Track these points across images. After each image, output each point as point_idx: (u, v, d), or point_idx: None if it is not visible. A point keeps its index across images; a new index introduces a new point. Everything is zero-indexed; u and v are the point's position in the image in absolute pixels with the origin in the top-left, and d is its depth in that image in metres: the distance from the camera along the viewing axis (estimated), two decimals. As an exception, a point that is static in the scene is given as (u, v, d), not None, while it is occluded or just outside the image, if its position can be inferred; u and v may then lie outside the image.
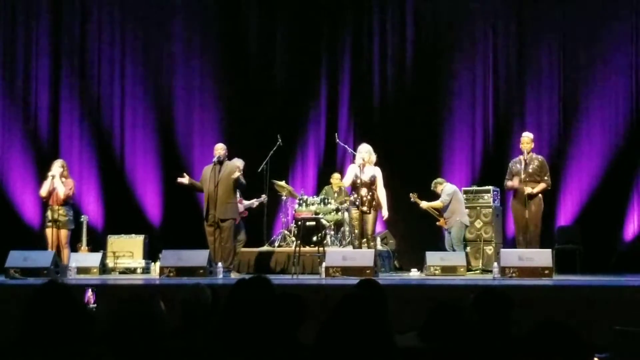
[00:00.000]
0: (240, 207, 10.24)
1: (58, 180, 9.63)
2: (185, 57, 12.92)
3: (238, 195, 10.11)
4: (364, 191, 9.25)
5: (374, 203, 9.25)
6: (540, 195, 9.35)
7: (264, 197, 11.04)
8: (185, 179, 9.59)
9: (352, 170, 9.44)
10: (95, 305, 5.18)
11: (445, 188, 10.59)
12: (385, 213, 9.48)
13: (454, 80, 12.27)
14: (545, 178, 9.35)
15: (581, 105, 11.76)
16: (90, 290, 5.23)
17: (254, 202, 10.94)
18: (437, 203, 10.58)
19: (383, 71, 12.60)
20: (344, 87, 12.76)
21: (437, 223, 10.70)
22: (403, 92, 12.46)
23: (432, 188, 10.70)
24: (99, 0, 12.84)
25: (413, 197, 10.61)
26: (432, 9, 12.50)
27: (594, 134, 11.70)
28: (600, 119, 11.70)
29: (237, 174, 9.38)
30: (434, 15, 12.49)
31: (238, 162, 9.83)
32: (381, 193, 9.36)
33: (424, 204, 10.61)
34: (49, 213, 9.60)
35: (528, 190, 9.20)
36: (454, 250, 10.30)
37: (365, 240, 9.31)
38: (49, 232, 9.57)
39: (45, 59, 12.58)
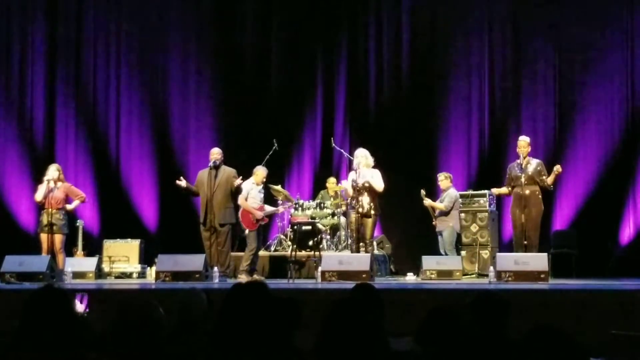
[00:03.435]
0: (259, 214, 9.82)
1: (78, 200, 9.79)
2: (180, 63, 12.89)
3: (260, 202, 9.94)
4: (362, 195, 9.23)
5: (373, 207, 9.23)
6: (540, 198, 9.43)
7: (289, 204, 10.80)
8: (182, 182, 9.64)
9: (350, 178, 9.45)
10: (87, 311, 5.10)
11: (451, 192, 10.62)
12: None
13: (450, 85, 12.27)
14: (543, 178, 9.42)
15: (577, 109, 11.77)
16: (81, 296, 5.06)
17: (279, 209, 10.70)
18: (440, 205, 10.59)
19: (379, 76, 12.60)
20: (339, 92, 12.75)
21: (433, 223, 10.73)
22: (399, 96, 12.46)
23: (438, 179, 10.73)
24: (94, 5, 12.84)
25: (423, 193, 10.60)
26: (428, 13, 12.52)
27: (589, 138, 11.71)
28: (596, 123, 11.71)
29: (237, 182, 9.49)
30: (430, 19, 12.51)
31: (261, 170, 9.79)
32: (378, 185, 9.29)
33: (427, 202, 10.63)
34: (44, 217, 9.50)
35: (527, 191, 9.29)
36: (446, 254, 10.31)
37: (363, 244, 9.31)
38: (43, 236, 9.50)
39: (41, 64, 12.56)
